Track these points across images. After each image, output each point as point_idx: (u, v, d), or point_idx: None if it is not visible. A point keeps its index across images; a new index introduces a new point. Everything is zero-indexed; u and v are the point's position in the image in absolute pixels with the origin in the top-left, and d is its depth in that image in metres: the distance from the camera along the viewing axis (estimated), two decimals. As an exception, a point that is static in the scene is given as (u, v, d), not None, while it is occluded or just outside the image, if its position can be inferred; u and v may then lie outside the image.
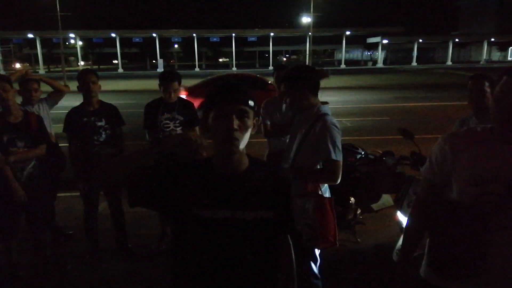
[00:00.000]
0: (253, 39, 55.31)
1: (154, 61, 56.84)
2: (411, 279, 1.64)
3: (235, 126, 1.21)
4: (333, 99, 15.39)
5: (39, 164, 3.14)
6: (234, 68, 50.03)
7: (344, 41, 51.86)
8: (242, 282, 1.30)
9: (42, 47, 48.95)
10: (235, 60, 53.39)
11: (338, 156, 2.24)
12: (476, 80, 2.77)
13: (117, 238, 3.65)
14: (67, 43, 54.95)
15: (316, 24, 45.92)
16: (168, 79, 3.39)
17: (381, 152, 3.63)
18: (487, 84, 2.70)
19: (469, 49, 63.44)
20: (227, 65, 60.83)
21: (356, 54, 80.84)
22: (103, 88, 3.54)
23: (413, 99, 16.32)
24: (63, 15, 27.47)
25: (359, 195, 3.59)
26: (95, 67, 62.97)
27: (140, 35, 51.66)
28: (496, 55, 63.14)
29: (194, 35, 50.26)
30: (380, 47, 53.76)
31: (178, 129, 3.46)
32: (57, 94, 3.95)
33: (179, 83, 3.46)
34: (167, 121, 3.44)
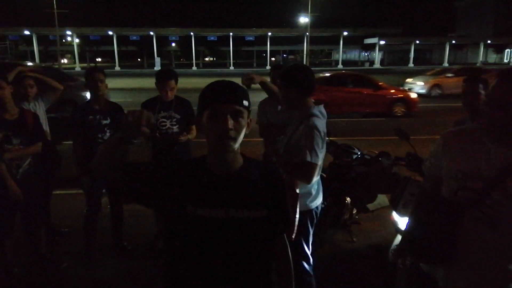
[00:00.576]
0: (250, 38, 55.30)
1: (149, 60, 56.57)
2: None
3: (230, 126, 1.21)
4: (330, 99, 15.45)
5: (34, 161, 3.14)
6: (232, 68, 50.01)
7: (341, 42, 52.04)
8: (236, 281, 1.29)
9: (39, 44, 48.71)
10: (233, 59, 53.35)
11: (313, 158, 2.23)
12: (470, 83, 2.79)
13: (114, 236, 3.65)
14: (63, 40, 54.72)
15: (313, 24, 46.01)
16: (165, 77, 3.38)
17: (377, 152, 3.64)
18: (481, 86, 2.72)
19: (466, 50, 63.79)
20: (224, 64, 60.80)
21: (354, 54, 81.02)
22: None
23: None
24: (60, 12, 27.31)
25: (355, 195, 3.61)
26: (92, 65, 62.66)
27: (137, 33, 51.51)
28: (492, 57, 63.55)
29: (192, 33, 50.19)
30: (377, 48, 53.96)
31: (174, 127, 3.45)
32: (53, 92, 3.93)
33: (176, 82, 3.46)
34: (164, 120, 3.44)
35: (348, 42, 59.15)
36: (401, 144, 3.22)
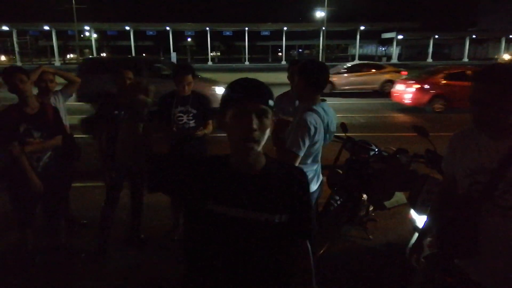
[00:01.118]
0: (266, 33, 55.10)
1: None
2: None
3: (255, 126, 1.17)
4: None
5: (55, 154, 3.20)
6: (247, 63, 49.94)
7: (358, 36, 51.36)
8: (252, 283, 1.27)
9: (58, 39, 49.56)
10: (248, 54, 53.27)
11: (295, 149, 2.32)
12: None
13: (131, 228, 3.71)
14: (81, 36, 55.54)
15: (330, 19, 45.45)
16: (182, 72, 3.40)
17: (394, 149, 3.59)
18: None
19: (487, 45, 62.17)
20: (239, 59, 60.77)
21: (370, 49, 79.91)
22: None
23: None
24: (79, 8, 27.74)
25: (371, 192, 3.56)
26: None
27: (154, 28, 51.89)
28: (515, 52, 61.72)
29: (207, 28, 50.27)
30: (395, 43, 53.05)
31: (191, 122, 3.47)
32: (71, 86, 4.02)
33: (193, 76, 3.47)
34: (181, 114, 3.45)
35: (365, 36, 58.41)
36: (418, 141, 3.16)
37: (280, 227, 1.26)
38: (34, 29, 50.82)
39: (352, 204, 3.66)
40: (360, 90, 15.99)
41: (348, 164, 3.71)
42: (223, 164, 1.30)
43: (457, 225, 1.64)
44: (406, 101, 11.97)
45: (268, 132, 1.24)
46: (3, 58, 59.77)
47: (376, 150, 3.69)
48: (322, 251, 3.38)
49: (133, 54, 50.23)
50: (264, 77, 11.31)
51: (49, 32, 48.54)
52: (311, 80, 2.42)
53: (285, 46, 54.46)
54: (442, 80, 11.77)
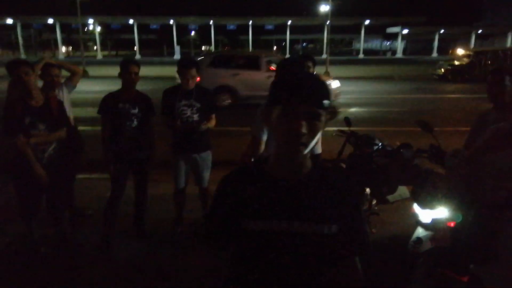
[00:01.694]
0: (270, 27, 54.85)
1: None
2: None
3: (304, 131, 1.01)
4: (350, 89, 15.23)
5: (59, 146, 3.22)
6: (251, 57, 49.69)
7: (363, 31, 51.01)
8: None
9: (62, 32, 49.58)
10: (252, 49, 53.11)
11: (253, 130, 2.74)
12: (496, 75, 2.68)
13: (135, 220, 3.74)
14: (85, 29, 55.51)
15: (334, 13, 45.11)
16: (186, 66, 3.40)
17: (398, 144, 3.58)
18: (508, 78, 2.61)
19: (493, 40, 61.57)
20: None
21: (375, 43, 79.40)
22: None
23: (433, 90, 16.00)
24: (82, 1, 27.69)
25: (374, 186, 3.56)
26: (113, 53, 63.50)
27: (158, 22, 51.79)
28: (521, 47, 61.15)
29: (211, 22, 50.11)
30: (400, 37, 52.68)
31: (195, 116, 3.48)
32: (74, 77, 4.05)
33: (197, 70, 3.47)
34: (185, 108, 3.46)
35: (369, 31, 57.95)
36: (422, 136, 3.15)
37: (330, 240, 1.11)
38: (38, 22, 50.84)
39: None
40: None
41: (351, 158, 3.71)
42: (258, 171, 1.15)
43: (476, 230, 1.61)
44: None
45: (319, 134, 1.07)
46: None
47: (380, 144, 3.69)
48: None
49: (137, 47, 50.24)
50: (268, 71, 11.26)
51: (53, 25, 48.55)
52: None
53: (289, 40, 54.26)
54: None
